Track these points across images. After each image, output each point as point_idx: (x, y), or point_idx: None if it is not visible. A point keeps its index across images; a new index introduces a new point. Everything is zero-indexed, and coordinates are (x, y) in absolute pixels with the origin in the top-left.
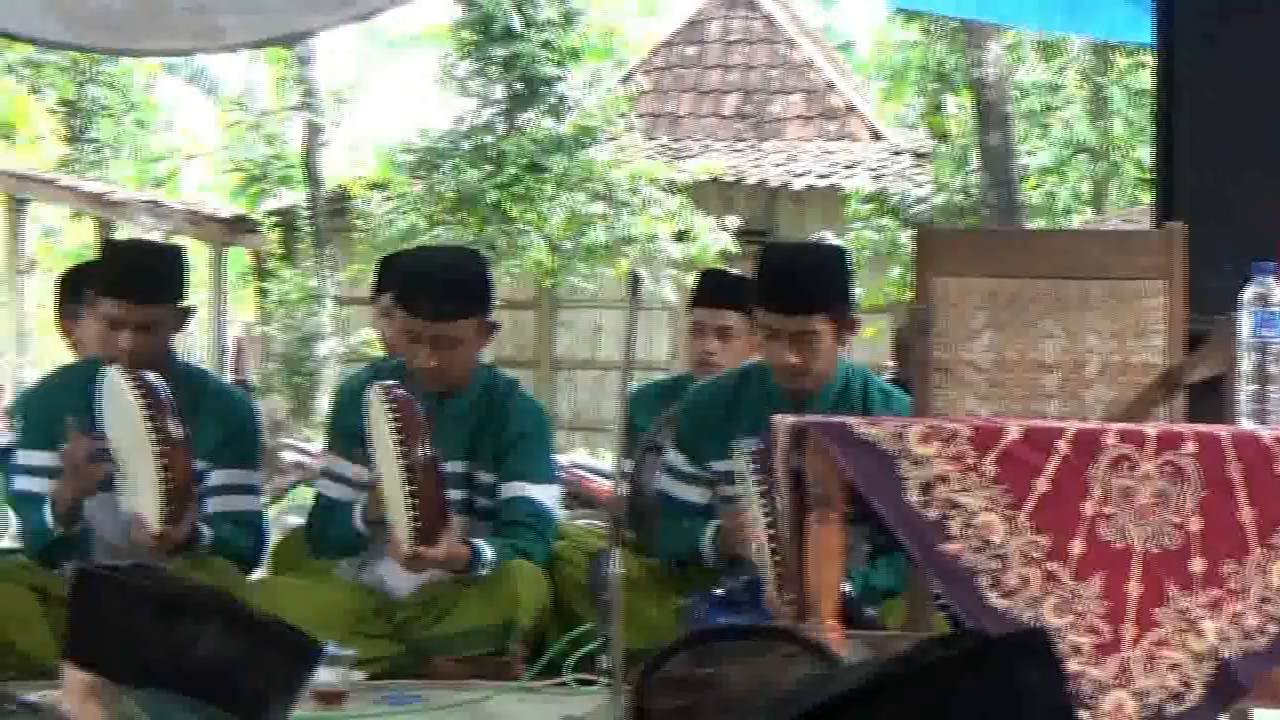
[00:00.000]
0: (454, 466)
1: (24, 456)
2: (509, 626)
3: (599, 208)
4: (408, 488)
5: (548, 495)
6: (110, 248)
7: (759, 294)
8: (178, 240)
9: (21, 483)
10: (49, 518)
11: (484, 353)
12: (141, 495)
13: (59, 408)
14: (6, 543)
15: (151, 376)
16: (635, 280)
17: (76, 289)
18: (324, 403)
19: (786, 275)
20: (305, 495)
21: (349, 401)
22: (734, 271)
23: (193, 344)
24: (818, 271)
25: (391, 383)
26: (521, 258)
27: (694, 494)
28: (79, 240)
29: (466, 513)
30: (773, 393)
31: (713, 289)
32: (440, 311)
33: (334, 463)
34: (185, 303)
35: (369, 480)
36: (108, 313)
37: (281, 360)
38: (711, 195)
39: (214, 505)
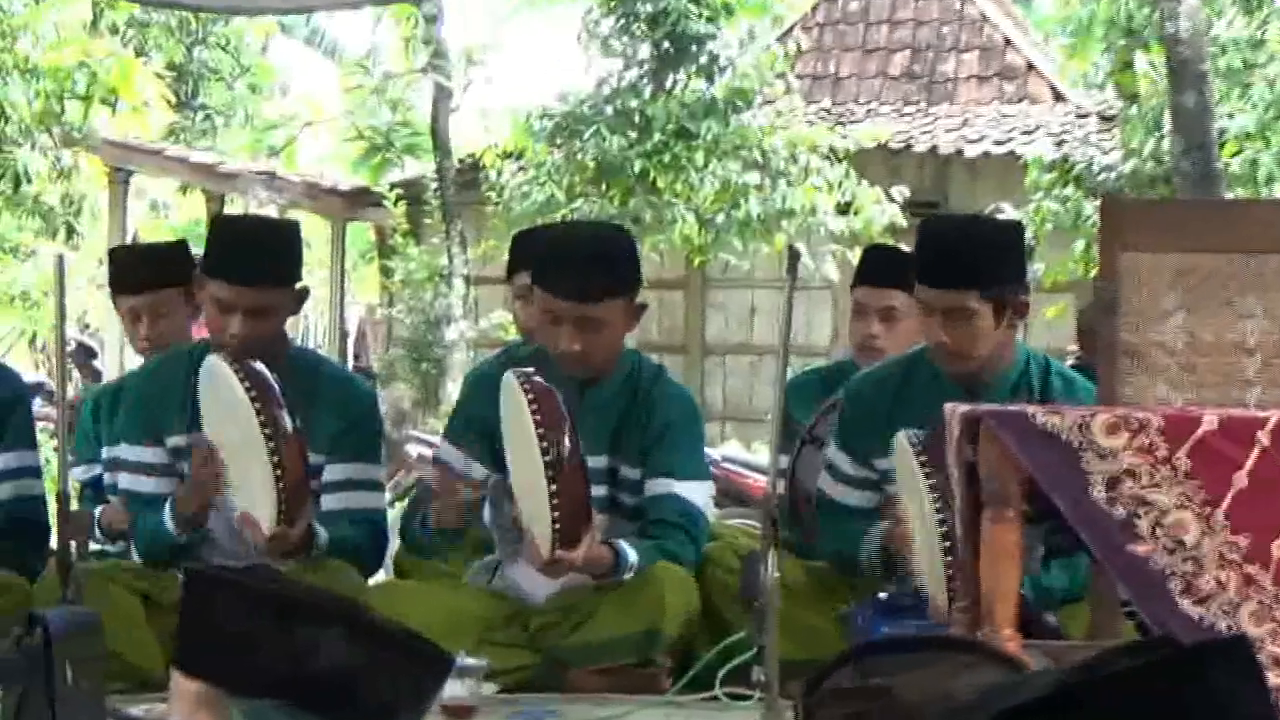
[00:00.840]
0: (596, 461)
1: (127, 451)
2: (654, 635)
3: (754, 178)
4: (550, 486)
5: (698, 492)
6: (219, 224)
7: (917, 267)
8: (294, 215)
9: (126, 480)
10: (169, 522)
11: (628, 337)
12: (253, 494)
13: (161, 398)
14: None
15: (257, 365)
16: (793, 256)
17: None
18: (453, 391)
19: (942, 247)
20: None
21: (479, 390)
22: (900, 247)
23: (310, 328)
24: (976, 244)
25: (530, 370)
26: (669, 233)
27: (856, 497)
28: (187, 216)
29: (609, 511)
30: (943, 381)
31: (876, 266)
32: (584, 292)
33: (444, 450)
34: (300, 284)
35: (487, 477)
36: (216, 295)
37: (406, 345)
38: (877, 164)
39: (331, 503)
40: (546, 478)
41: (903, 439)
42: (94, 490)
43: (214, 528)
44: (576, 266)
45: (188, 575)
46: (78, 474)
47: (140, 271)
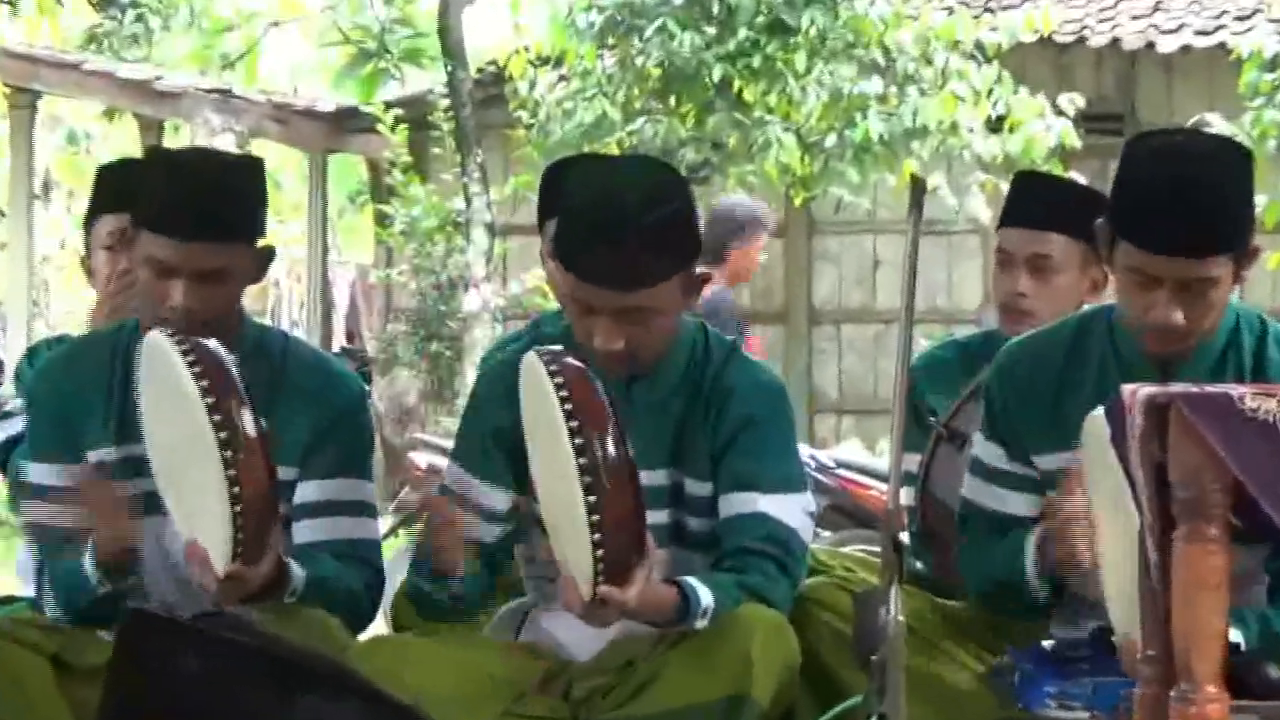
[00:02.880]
0: (653, 477)
1: (35, 472)
2: (740, 703)
3: (874, 85)
4: (587, 500)
5: (793, 509)
6: (155, 160)
7: (1128, 222)
8: (257, 147)
9: (34, 511)
10: (88, 565)
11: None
12: (202, 520)
13: (77, 396)
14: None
15: (212, 345)
16: (918, 188)
17: (110, 206)
18: (473, 380)
19: (1171, 203)
20: None
21: (497, 384)
22: (1063, 176)
23: (283, 299)
24: (1218, 192)
25: (559, 348)
26: (761, 161)
27: (1015, 503)
28: (115, 148)
29: (673, 541)
30: (1125, 352)
31: (1026, 201)
32: (626, 278)
33: (464, 482)
34: (264, 241)
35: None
36: (152, 255)
37: (412, 319)
38: (1041, 64)
39: (308, 532)
40: (583, 490)
41: (1099, 420)
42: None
43: (149, 562)
44: (612, 242)
45: (129, 620)
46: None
47: (133, 186)
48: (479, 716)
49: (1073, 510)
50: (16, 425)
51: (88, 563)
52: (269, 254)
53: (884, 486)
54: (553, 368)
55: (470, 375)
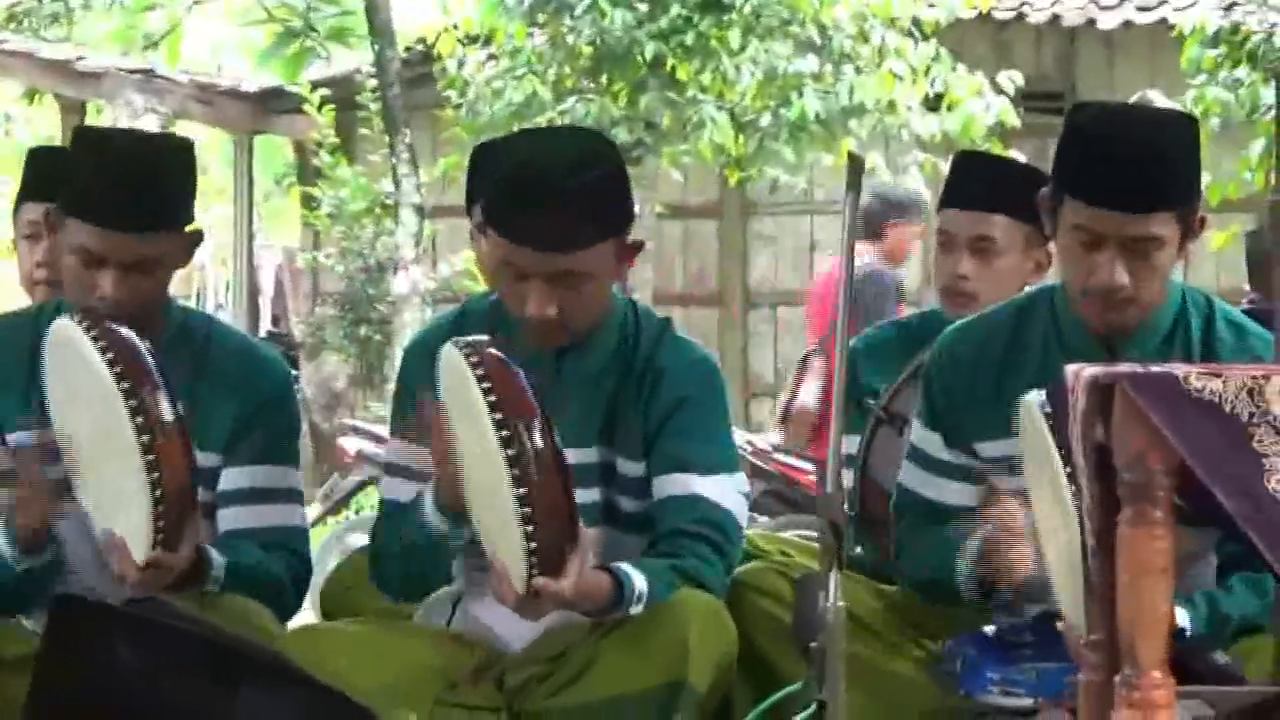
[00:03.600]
0: (583, 455)
1: None
2: (676, 690)
3: (810, 63)
4: (516, 492)
5: (727, 490)
6: (83, 142)
7: (1067, 181)
8: (181, 128)
9: None
10: (4, 543)
11: (640, 286)
12: (119, 508)
13: None
14: None
15: (124, 331)
16: (856, 168)
17: (35, 194)
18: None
19: (1115, 153)
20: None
21: (417, 360)
22: (1004, 154)
23: (207, 283)
24: (1163, 145)
25: (479, 338)
26: (695, 141)
27: (953, 493)
28: (36, 131)
29: (605, 521)
30: (1068, 332)
31: (968, 182)
32: (558, 238)
33: (403, 451)
34: (193, 225)
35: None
36: (81, 244)
37: (340, 302)
38: (979, 41)
39: (232, 519)
40: (512, 481)
41: (1033, 404)
42: None
43: (72, 550)
44: (544, 202)
45: (58, 606)
46: None
47: (58, 173)
48: (410, 706)
49: (1008, 521)
50: None
51: (3, 541)
52: (198, 238)
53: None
54: (474, 359)
55: (399, 360)
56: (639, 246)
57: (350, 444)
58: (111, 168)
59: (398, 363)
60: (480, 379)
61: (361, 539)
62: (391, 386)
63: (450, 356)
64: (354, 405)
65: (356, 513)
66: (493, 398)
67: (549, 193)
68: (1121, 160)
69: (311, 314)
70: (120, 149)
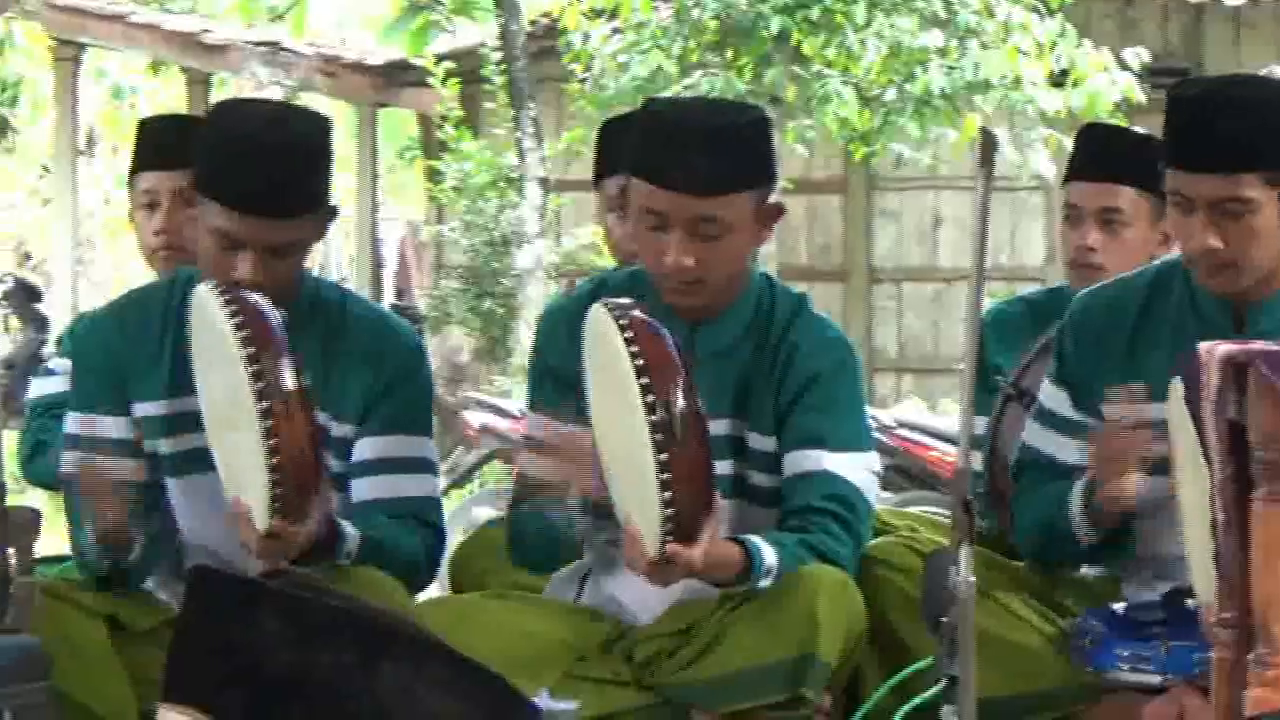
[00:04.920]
0: (714, 427)
1: (74, 423)
2: (805, 664)
3: (935, 38)
4: (658, 457)
5: (857, 467)
6: (223, 118)
7: (1167, 148)
8: (305, 100)
9: (73, 462)
10: (89, 542)
11: (764, 260)
12: (244, 475)
13: (129, 348)
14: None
15: (255, 298)
16: (988, 143)
17: (150, 164)
18: (527, 338)
19: (1203, 117)
20: (501, 475)
21: (561, 333)
22: (1131, 129)
23: (330, 253)
24: (1253, 109)
25: (627, 300)
26: (820, 116)
27: (1073, 451)
28: (161, 103)
29: (736, 496)
30: (1202, 306)
31: (1094, 153)
32: (699, 179)
33: (536, 425)
34: (330, 203)
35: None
36: (218, 226)
37: (464, 275)
38: (1105, 17)
39: (364, 490)
40: (653, 446)
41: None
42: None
43: (193, 523)
44: (688, 146)
45: (196, 579)
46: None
47: (172, 142)
48: (539, 679)
49: (1120, 445)
50: (55, 385)
51: (89, 540)
52: (332, 214)
53: (945, 447)
54: (621, 320)
55: (523, 333)
56: (779, 211)
57: (474, 418)
58: (250, 152)
59: (522, 337)
60: (628, 340)
61: (487, 512)
62: (515, 360)
63: (598, 318)
64: (478, 379)
65: (481, 486)
66: (639, 360)
67: (692, 134)
68: (1205, 122)
69: (435, 287)
70: (259, 132)
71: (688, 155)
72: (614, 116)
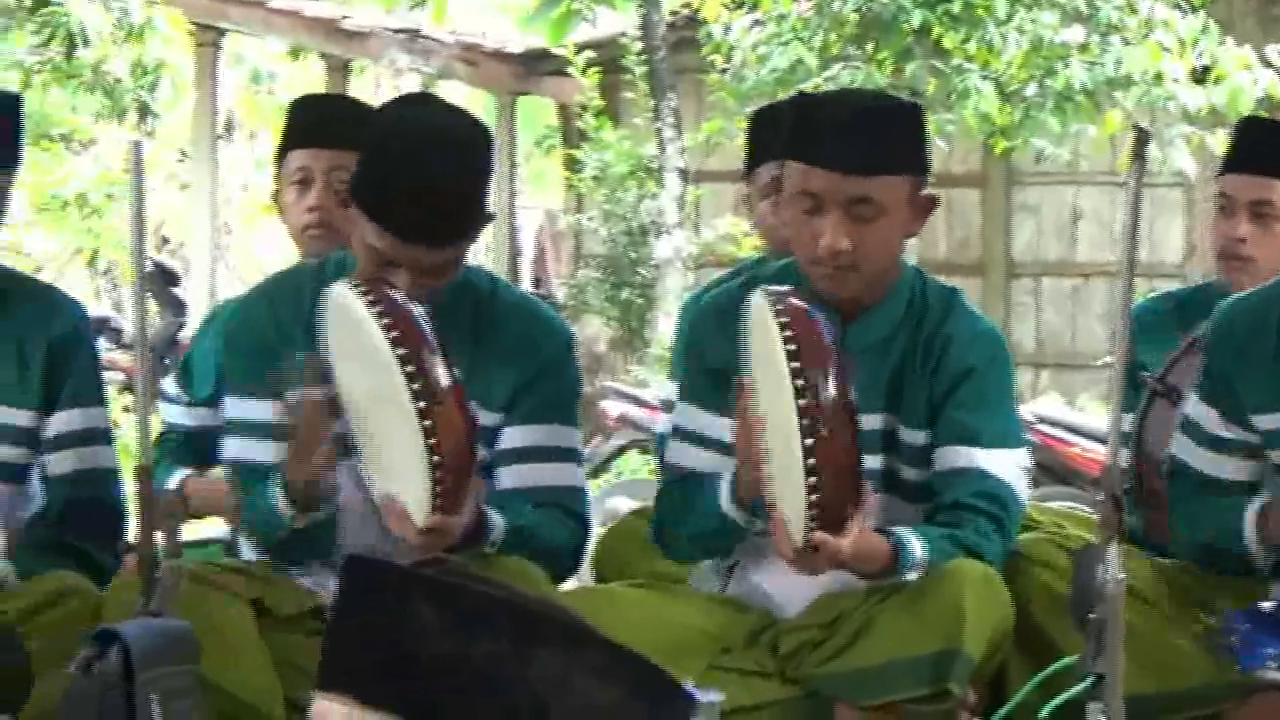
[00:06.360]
0: (866, 421)
1: (232, 407)
2: (950, 658)
3: (1076, 34)
4: (804, 442)
5: (1009, 465)
6: (383, 142)
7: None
8: (443, 88)
9: (235, 448)
10: (279, 498)
11: (904, 255)
12: (398, 472)
13: (280, 331)
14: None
15: (400, 297)
16: (1141, 138)
17: (301, 141)
18: (665, 328)
19: None
20: (638, 466)
21: (706, 323)
22: None
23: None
24: None
25: (785, 288)
26: (960, 110)
27: (1228, 467)
28: (299, 89)
29: (886, 489)
30: None
31: (1251, 147)
32: (854, 159)
33: (688, 416)
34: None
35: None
36: (373, 246)
37: (602, 265)
38: (1247, 15)
39: (510, 479)
40: (802, 431)
41: None
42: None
43: (348, 510)
44: (845, 126)
45: (350, 567)
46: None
47: (327, 122)
48: (683, 670)
49: None
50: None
51: (280, 497)
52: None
53: (1085, 443)
54: (778, 306)
55: (662, 323)
56: (932, 201)
57: (612, 407)
58: (415, 181)
59: (660, 327)
60: (782, 325)
61: (624, 502)
62: (653, 351)
63: (757, 304)
64: (615, 369)
65: (618, 476)
66: (792, 345)
67: (849, 115)
68: None
69: (573, 277)
70: (424, 159)
71: (844, 134)
72: (765, 105)
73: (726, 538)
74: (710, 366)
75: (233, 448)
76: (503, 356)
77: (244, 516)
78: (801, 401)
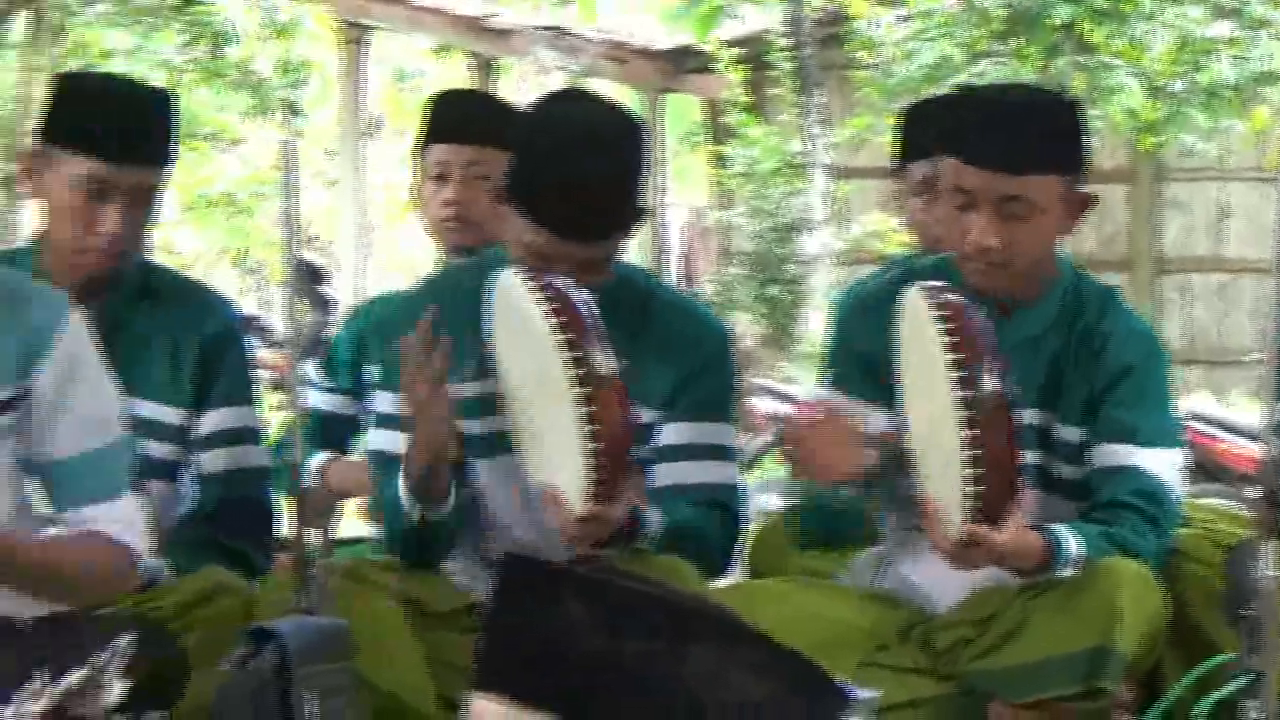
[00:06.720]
0: (1023, 417)
1: (379, 400)
2: (1103, 654)
3: (1223, 29)
4: (964, 434)
5: (1168, 465)
6: (536, 138)
7: None
8: (591, 85)
9: (378, 440)
10: (404, 494)
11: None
12: (557, 461)
13: (439, 327)
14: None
15: (565, 284)
16: None
17: (442, 136)
18: (813, 324)
19: None
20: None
21: (857, 315)
22: None
23: None
24: None
25: (941, 283)
26: (1107, 106)
27: None
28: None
29: (1041, 485)
30: None
31: None
32: (1007, 157)
33: (843, 405)
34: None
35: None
36: (529, 242)
37: (749, 262)
38: None
39: (666, 475)
40: (961, 425)
41: None
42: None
43: (498, 504)
44: (999, 123)
45: (507, 564)
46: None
47: (464, 117)
48: (836, 666)
49: None
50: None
51: (403, 490)
52: (644, 214)
53: (1235, 439)
54: (935, 300)
55: (812, 319)
56: (1088, 200)
57: (761, 403)
58: (571, 176)
59: (810, 323)
60: (941, 318)
61: (776, 500)
62: (801, 347)
63: (913, 298)
64: (763, 366)
65: (765, 473)
66: (951, 339)
67: (1004, 112)
68: None
69: (721, 273)
70: (580, 154)
71: (999, 132)
72: (917, 101)
73: (853, 520)
74: (861, 359)
75: (376, 439)
76: (661, 354)
77: (373, 508)
78: (962, 393)
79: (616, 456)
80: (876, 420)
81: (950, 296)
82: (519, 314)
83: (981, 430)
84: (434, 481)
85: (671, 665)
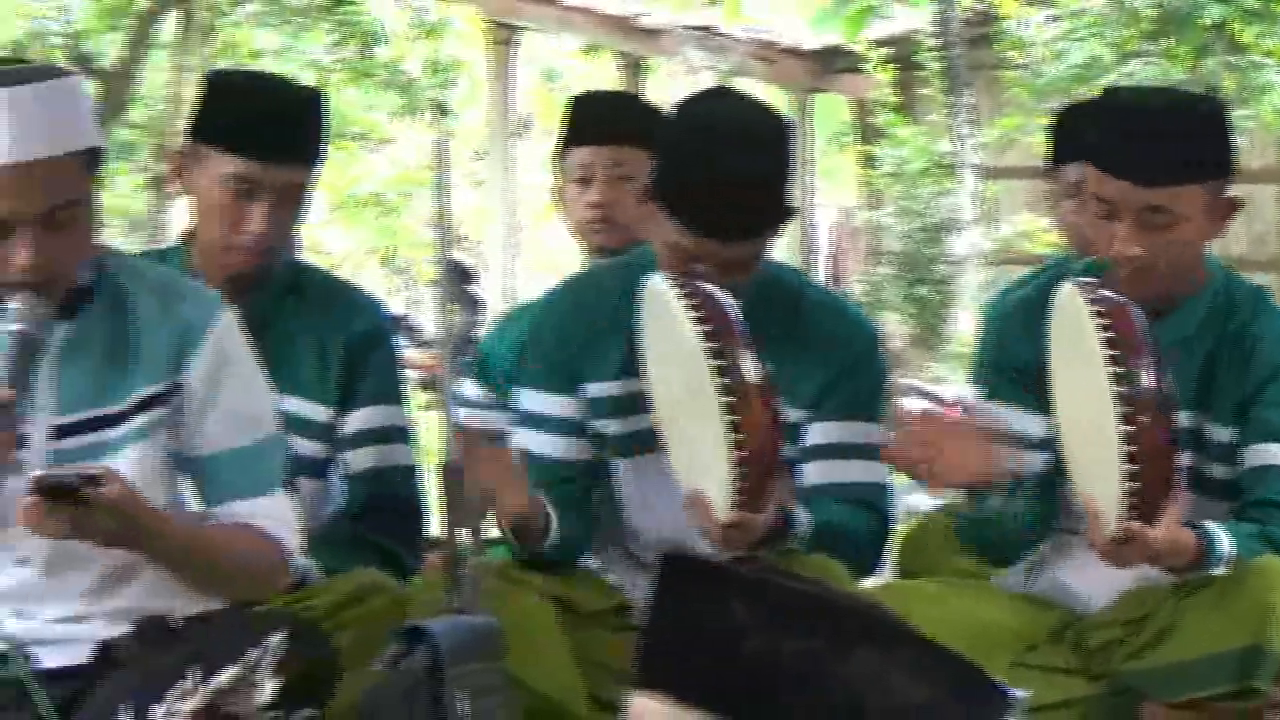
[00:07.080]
0: (1178, 418)
1: (527, 399)
2: (1257, 654)
3: None
4: (1123, 427)
5: None
6: (685, 119)
7: None
8: (739, 85)
9: (525, 440)
10: (505, 529)
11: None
12: (703, 466)
13: (585, 327)
14: None
15: (713, 290)
16: None
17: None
18: (962, 325)
19: None
20: None
21: (1012, 320)
22: None
23: None
24: None
25: (1096, 280)
26: (1257, 105)
27: None
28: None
29: (1193, 487)
30: None
31: None
32: (1150, 170)
33: (996, 414)
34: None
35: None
36: (675, 242)
37: (898, 262)
38: None
39: (814, 474)
40: (1119, 420)
41: None
42: None
43: (638, 509)
44: (1142, 135)
45: (667, 563)
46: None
47: (606, 118)
48: (988, 666)
49: None
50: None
51: (504, 530)
52: (792, 214)
53: None
54: (1091, 296)
55: (961, 320)
56: (1234, 205)
57: (910, 404)
58: (720, 175)
59: (959, 324)
60: (1096, 314)
61: (923, 500)
62: (950, 348)
63: (1068, 294)
64: (912, 365)
65: None
66: (1108, 334)
67: (1146, 124)
68: None
69: (869, 273)
70: (732, 153)
71: (1140, 144)
72: (1070, 103)
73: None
74: (1015, 364)
75: (523, 439)
76: (810, 353)
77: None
78: (1120, 389)
79: (763, 464)
80: (1032, 423)
81: (1107, 292)
82: (668, 320)
83: (1139, 427)
84: (526, 533)
85: (832, 665)
